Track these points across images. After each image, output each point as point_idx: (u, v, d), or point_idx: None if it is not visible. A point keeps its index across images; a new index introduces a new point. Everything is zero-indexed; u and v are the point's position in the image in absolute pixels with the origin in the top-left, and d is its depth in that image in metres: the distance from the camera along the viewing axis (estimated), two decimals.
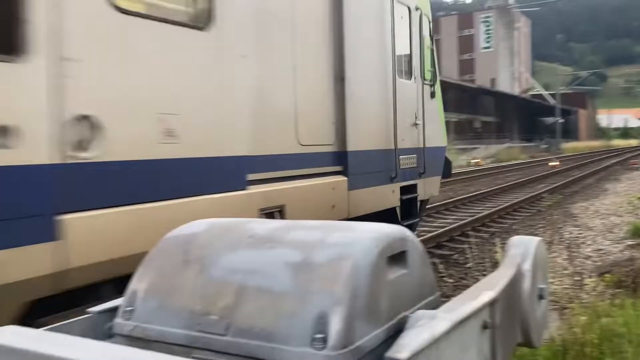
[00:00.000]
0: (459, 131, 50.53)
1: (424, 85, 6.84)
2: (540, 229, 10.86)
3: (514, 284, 2.48)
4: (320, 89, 5.02)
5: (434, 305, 2.09)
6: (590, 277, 6.90)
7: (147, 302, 1.92)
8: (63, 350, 1.48)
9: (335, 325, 1.60)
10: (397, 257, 1.91)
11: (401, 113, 6.12)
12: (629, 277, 6.48)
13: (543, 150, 56.84)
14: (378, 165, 5.74)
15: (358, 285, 1.68)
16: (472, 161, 35.51)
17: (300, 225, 2.06)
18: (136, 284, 2.00)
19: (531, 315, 2.59)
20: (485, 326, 2.06)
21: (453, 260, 8.47)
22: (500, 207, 13.26)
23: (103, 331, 2.02)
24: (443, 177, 7.80)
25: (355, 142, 5.31)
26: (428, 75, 6.93)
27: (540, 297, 2.74)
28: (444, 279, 7.02)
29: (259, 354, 1.65)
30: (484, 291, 2.14)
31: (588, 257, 8.21)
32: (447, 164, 7.79)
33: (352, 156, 5.26)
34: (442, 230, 9.94)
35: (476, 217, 11.59)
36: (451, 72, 79.98)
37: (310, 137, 4.83)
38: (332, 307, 1.63)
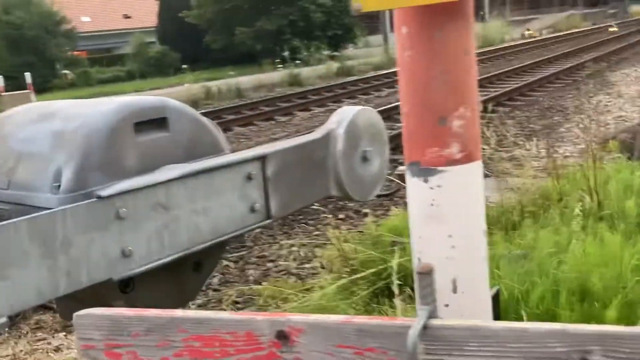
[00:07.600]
0: (515, 1, 47.24)
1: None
2: (569, 99, 10.59)
3: (317, 145, 2.85)
4: None
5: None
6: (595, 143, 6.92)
7: None
8: None
9: (66, 176, 2.08)
10: (152, 122, 2.33)
11: None
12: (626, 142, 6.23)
13: (609, 16, 52.36)
14: None
15: (91, 145, 2.13)
16: (525, 33, 33.43)
17: (89, 103, 2.52)
18: None
19: (346, 173, 2.95)
20: (249, 177, 2.49)
21: None
22: (534, 79, 12.78)
23: None
24: None
25: None
26: None
27: (365, 158, 3.07)
28: None
29: (26, 201, 2.17)
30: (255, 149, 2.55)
31: (606, 125, 7.89)
32: None
33: None
34: None
35: (503, 91, 11.29)
36: None
37: None
38: (66, 162, 2.10)
